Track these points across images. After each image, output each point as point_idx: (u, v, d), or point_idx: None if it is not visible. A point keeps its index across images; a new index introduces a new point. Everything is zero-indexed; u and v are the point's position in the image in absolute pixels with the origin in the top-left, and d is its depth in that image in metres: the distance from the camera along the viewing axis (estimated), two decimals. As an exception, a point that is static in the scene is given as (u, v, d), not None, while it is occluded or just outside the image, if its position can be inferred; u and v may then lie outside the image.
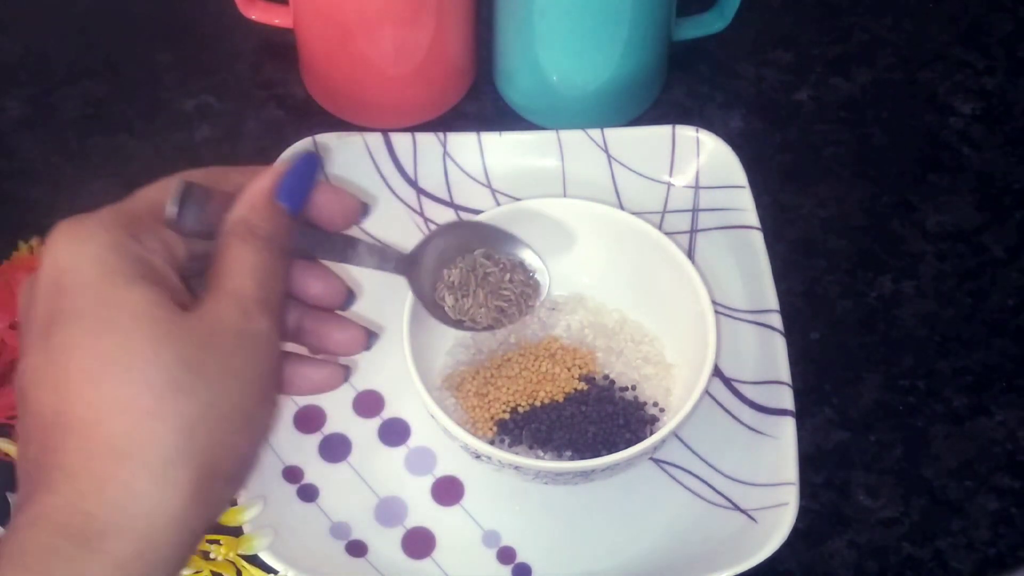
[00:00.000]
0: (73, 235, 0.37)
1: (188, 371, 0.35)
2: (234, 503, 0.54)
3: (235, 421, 0.36)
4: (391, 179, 0.66)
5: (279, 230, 0.40)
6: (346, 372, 0.45)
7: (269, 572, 0.53)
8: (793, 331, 0.61)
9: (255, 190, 0.41)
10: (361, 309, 0.63)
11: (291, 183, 0.41)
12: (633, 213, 0.61)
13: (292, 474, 0.58)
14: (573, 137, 0.67)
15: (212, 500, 0.36)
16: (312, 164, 0.42)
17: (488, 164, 0.67)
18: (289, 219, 0.41)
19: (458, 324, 0.55)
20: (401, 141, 0.66)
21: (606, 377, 0.59)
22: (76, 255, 0.37)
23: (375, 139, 0.66)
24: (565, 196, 0.66)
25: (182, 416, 0.35)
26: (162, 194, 0.40)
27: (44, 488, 0.34)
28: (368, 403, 0.60)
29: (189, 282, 0.40)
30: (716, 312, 0.57)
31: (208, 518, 0.36)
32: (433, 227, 0.66)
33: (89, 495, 0.34)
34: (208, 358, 0.36)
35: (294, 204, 0.41)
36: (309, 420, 0.60)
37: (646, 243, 0.60)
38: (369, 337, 0.46)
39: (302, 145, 0.65)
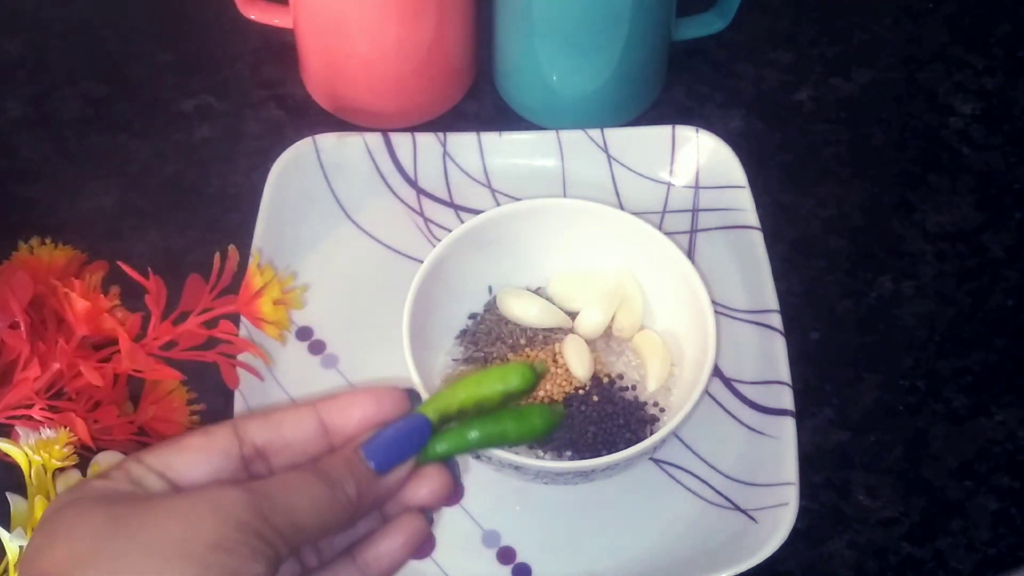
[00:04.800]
0: (52, 504, 0.38)
1: (120, 525, 0.35)
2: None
3: (163, 554, 0.35)
4: (391, 179, 0.66)
5: (353, 479, 0.38)
6: (423, 522, 0.41)
7: (269, 572, 0.53)
8: (793, 331, 0.61)
9: (348, 446, 0.39)
10: (361, 309, 0.63)
11: (383, 442, 0.39)
12: (633, 213, 0.61)
13: (292, 474, 0.58)
14: (573, 137, 0.67)
15: None
16: (421, 431, 0.40)
17: (488, 164, 0.67)
18: (373, 475, 0.39)
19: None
20: (401, 141, 0.66)
21: (606, 377, 0.59)
22: (54, 509, 0.37)
23: (375, 139, 0.66)
24: (565, 196, 0.66)
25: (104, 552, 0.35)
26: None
27: None
28: (368, 403, 0.60)
29: None
30: (716, 312, 0.57)
31: None
32: (434, 227, 0.66)
33: None
34: (160, 507, 0.36)
35: (381, 464, 0.39)
36: (309, 420, 0.60)
37: (646, 243, 0.60)
38: (453, 470, 0.41)
39: (302, 145, 0.65)
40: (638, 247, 0.60)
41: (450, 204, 0.66)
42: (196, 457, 0.38)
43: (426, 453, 0.40)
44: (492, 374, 0.41)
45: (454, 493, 0.41)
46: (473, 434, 0.40)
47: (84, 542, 0.35)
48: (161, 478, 0.37)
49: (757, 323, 0.61)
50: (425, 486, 0.40)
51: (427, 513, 0.41)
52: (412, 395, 0.40)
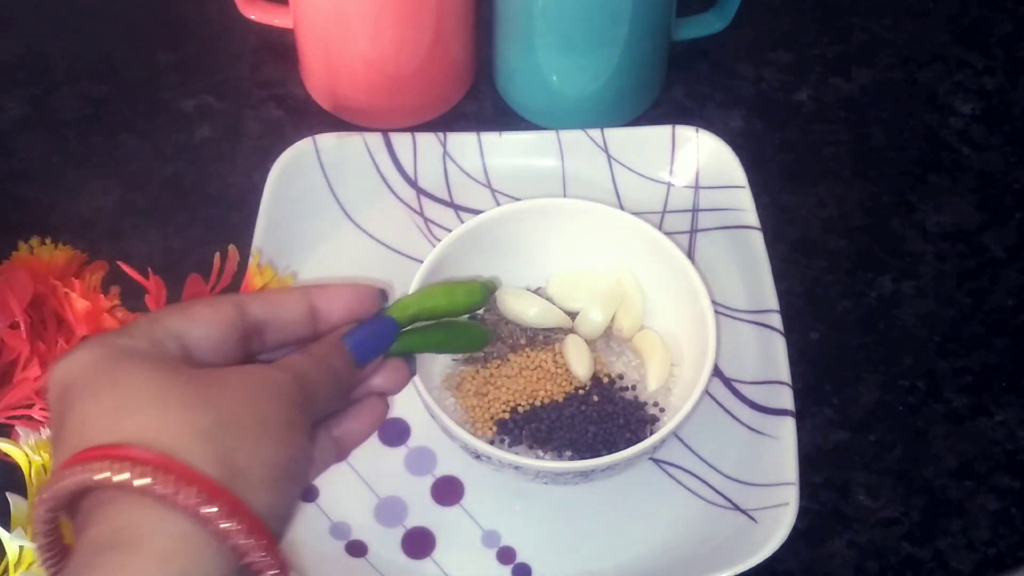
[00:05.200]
0: (65, 360, 0.38)
1: (197, 395, 0.36)
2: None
3: (254, 430, 0.36)
4: (391, 179, 0.66)
5: (338, 362, 0.42)
6: (385, 405, 0.45)
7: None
8: (793, 331, 0.61)
9: (333, 336, 0.43)
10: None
11: (362, 338, 0.43)
12: (633, 213, 0.61)
13: (292, 474, 0.58)
14: (573, 137, 0.67)
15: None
16: (388, 330, 0.44)
17: (488, 164, 0.67)
18: (352, 364, 0.42)
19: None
20: (401, 141, 0.66)
21: (606, 377, 0.59)
22: (71, 366, 0.37)
23: (375, 139, 0.66)
24: (565, 196, 0.66)
25: (196, 424, 0.35)
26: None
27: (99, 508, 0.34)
28: (368, 403, 0.60)
29: None
30: (716, 312, 0.57)
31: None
32: (434, 227, 0.66)
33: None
34: (220, 382, 0.37)
35: (360, 357, 0.43)
36: (309, 420, 0.60)
37: (646, 243, 0.60)
38: (410, 364, 0.46)
39: (302, 145, 0.65)
40: (638, 247, 0.60)
41: (450, 204, 0.66)
42: (208, 328, 0.40)
43: (389, 350, 0.45)
44: (447, 289, 0.49)
45: (406, 380, 0.46)
46: (422, 338, 0.48)
47: (134, 393, 0.35)
48: (178, 343, 0.39)
49: (757, 323, 0.61)
50: (387, 376, 0.45)
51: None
52: (382, 295, 0.45)
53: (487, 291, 0.50)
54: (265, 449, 0.36)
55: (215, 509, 0.33)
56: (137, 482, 0.33)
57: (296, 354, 0.41)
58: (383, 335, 0.44)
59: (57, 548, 0.37)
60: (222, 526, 0.33)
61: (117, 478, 0.33)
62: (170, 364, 0.37)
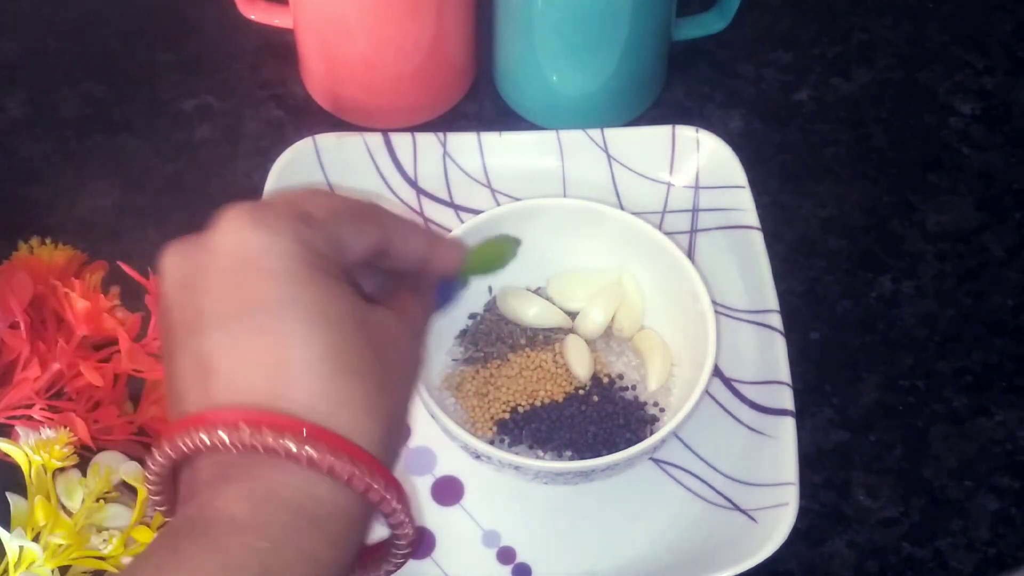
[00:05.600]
0: (262, 223, 0.37)
1: (376, 359, 0.37)
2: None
3: (399, 396, 0.39)
4: (391, 179, 0.66)
5: (430, 314, 0.45)
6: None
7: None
8: (793, 331, 0.61)
9: (429, 287, 0.45)
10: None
11: (442, 289, 0.46)
12: (633, 213, 0.61)
13: (292, 474, 0.58)
14: (573, 137, 0.67)
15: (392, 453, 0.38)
16: (456, 288, 0.47)
17: (488, 164, 0.67)
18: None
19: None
20: (401, 141, 0.66)
21: (606, 377, 0.59)
22: (270, 243, 0.37)
23: (375, 139, 0.66)
24: (565, 196, 0.66)
25: (370, 397, 0.36)
26: (332, 203, 0.41)
27: (267, 464, 0.34)
28: (368, 403, 0.60)
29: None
30: (716, 312, 0.57)
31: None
32: (434, 227, 0.66)
33: (321, 479, 0.35)
34: (391, 349, 0.38)
35: (438, 303, 0.46)
36: (309, 420, 0.60)
37: (646, 243, 0.60)
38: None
39: (302, 145, 0.65)
40: (638, 247, 0.60)
41: (450, 204, 0.66)
42: (363, 248, 0.41)
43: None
44: (489, 248, 0.52)
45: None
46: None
47: (300, 346, 0.36)
48: (340, 254, 0.39)
49: (757, 323, 0.61)
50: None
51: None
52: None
53: (515, 245, 0.53)
54: (404, 413, 0.39)
55: (376, 486, 0.35)
56: (302, 451, 0.34)
57: (411, 298, 0.42)
58: (450, 292, 0.47)
59: (169, 491, 0.37)
60: (378, 497, 0.35)
61: (279, 446, 0.34)
62: (342, 299, 0.37)
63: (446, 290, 0.46)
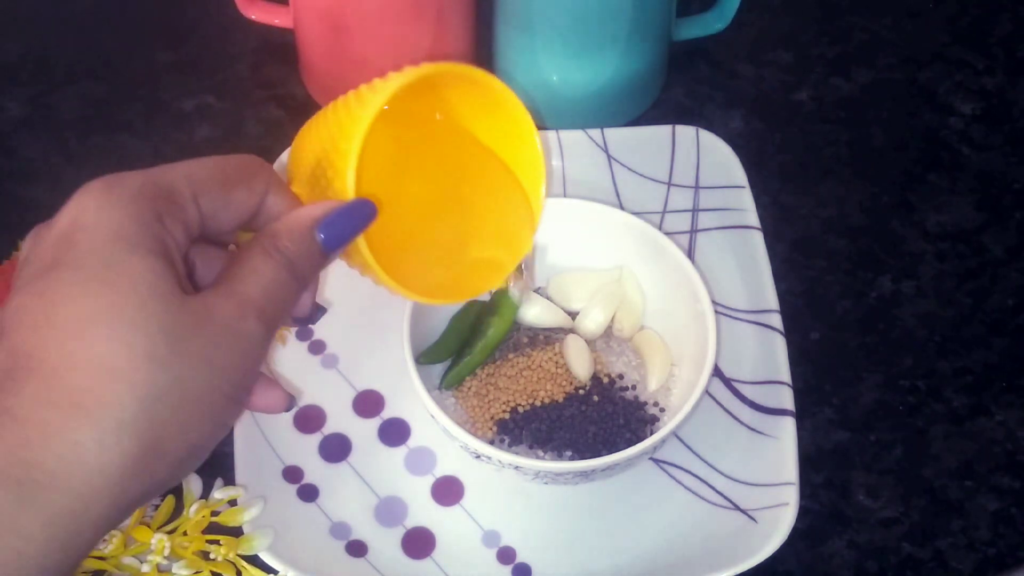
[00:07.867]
0: (102, 198, 0.38)
1: (168, 345, 0.35)
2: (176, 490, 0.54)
3: (196, 408, 0.36)
4: (391, 179, 0.66)
5: (305, 258, 0.41)
6: (290, 401, 0.44)
7: (269, 572, 0.53)
8: (793, 331, 0.61)
9: (300, 215, 0.41)
10: (362, 309, 0.63)
11: (337, 222, 0.41)
12: (633, 213, 0.61)
13: (292, 474, 0.58)
14: (573, 137, 0.67)
15: (150, 478, 0.36)
16: (365, 214, 0.42)
17: (488, 164, 0.67)
18: (319, 253, 0.41)
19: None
20: (401, 141, 0.66)
21: (606, 377, 0.59)
22: (98, 218, 0.37)
23: (375, 139, 0.66)
24: (565, 196, 0.66)
25: (147, 385, 0.35)
26: (200, 171, 0.40)
27: None
28: (368, 403, 0.60)
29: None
30: (716, 312, 0.57)
31: (142, 495, 0.36)
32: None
33: (34, 444, 0.34)
34: (191, 340, 0.36)
35: (330, 243, 0.41)
36: (309, 420, 0.60)
37: (646, 243, 0.60)
38: (289, 401, 0.44)
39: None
40: (638, 247, 0.60)
41: (450, 204, 0.66)
42: (231, 219, 0.41)
43: (446, 383, 0.55)
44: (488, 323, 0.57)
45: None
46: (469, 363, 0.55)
47: (108, 313, 0.35)
48: (190, 217, 0.40)
49: (757, 323, 0.61)
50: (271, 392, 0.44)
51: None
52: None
53: (515, 303, 0.57)
54: (197, 433, 0.36)
55: None
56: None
57: (262, 267, 0.39)
58: (359, 216, 0.42)
59: None
60: None
61: None
62: (166, 291, 0.36)
63: (339, 226, 0.42)
